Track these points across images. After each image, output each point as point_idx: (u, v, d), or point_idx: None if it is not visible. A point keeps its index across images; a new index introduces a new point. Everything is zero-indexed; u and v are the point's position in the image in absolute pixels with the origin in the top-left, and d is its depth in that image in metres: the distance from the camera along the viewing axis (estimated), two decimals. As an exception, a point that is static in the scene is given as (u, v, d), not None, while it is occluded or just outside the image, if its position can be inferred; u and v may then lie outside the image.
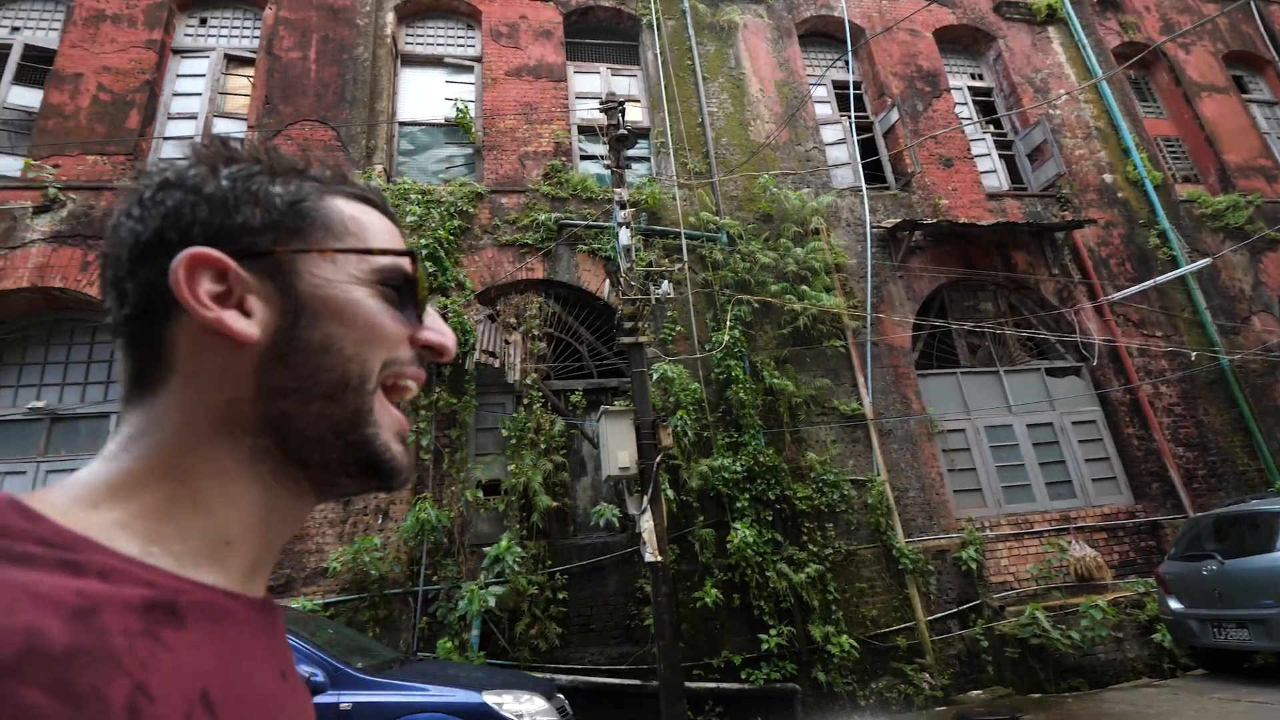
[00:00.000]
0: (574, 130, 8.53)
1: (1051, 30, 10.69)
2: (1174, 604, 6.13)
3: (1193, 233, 9.52)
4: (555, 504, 6.57)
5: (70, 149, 7.18)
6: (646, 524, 5.47)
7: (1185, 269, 8.32)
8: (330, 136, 7.73)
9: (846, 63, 9.73)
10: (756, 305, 7.61)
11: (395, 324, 0.49)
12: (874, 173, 9.37)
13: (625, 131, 5.56)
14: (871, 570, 6.89)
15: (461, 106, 8.19)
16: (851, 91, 9.53)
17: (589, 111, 8.65)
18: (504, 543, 5.88)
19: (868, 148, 9.53)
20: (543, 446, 6.66)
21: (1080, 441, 8.32)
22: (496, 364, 6.91)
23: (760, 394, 7.24)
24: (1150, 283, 8.22)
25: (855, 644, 6.29)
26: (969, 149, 9.60)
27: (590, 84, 9.07)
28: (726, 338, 7.17)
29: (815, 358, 7.74)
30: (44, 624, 0.30)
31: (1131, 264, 9.11)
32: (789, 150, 8.84)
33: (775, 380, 7.26)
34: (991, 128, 10.22)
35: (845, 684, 6.23)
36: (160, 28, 8.03)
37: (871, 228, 8.44)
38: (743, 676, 6.13)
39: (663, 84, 8.69)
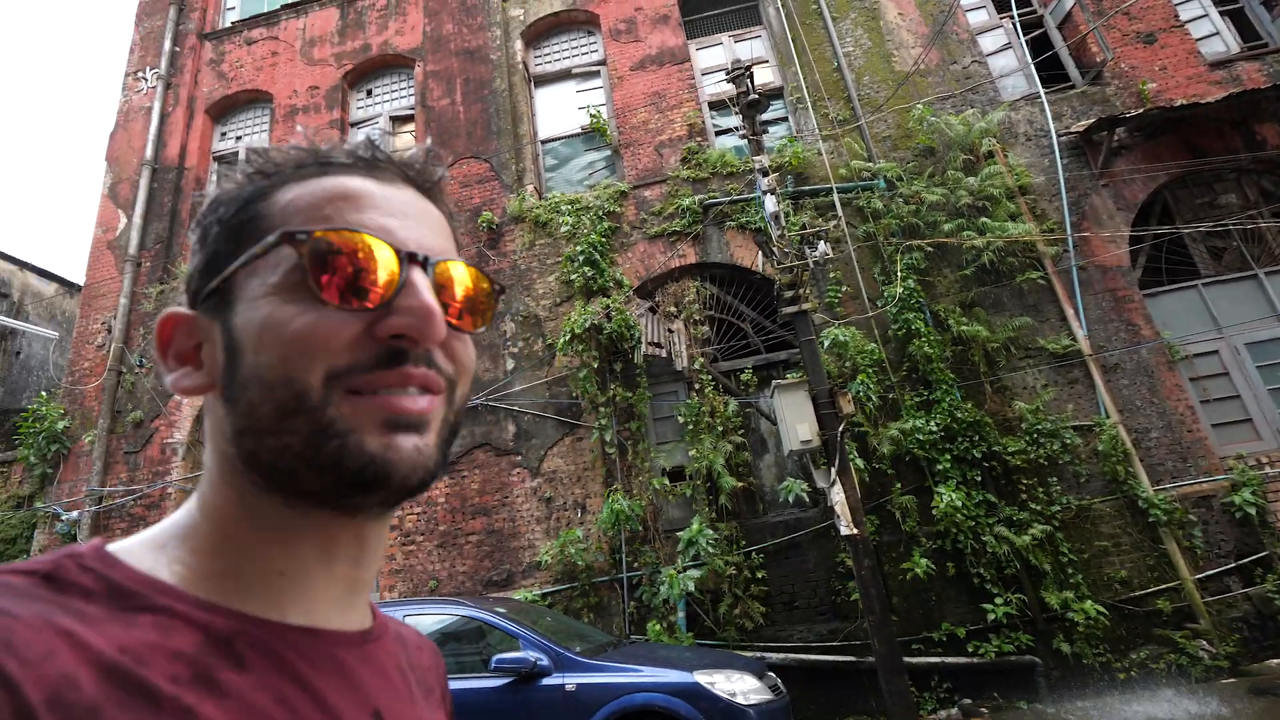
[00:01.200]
0: (704, 108, 8.40)
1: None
2: None
3: None
4: (741, 484, 6.57)
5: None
6: (837, 496, 5.27)
7: None
8: (485, 169, 8.39)
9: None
10: (930, 249, 6.96)
11: (326, 323, 0.40)
12: (1054, 73, 8.11)
13: (756, 96, 5.34)
14: (1113, 526, 6.03)
15: (594, 112, 8.45)
16: (1010, -10, 8.31)
17: (717, 86, 8.48)
18: (695, 526, 6.00)
19: (1041, 46, 8.26)
20: (720, 429, 6.69)
21: (1389, 345, 6.56)
22: (664, 354, 7.05)
23: (948, 344, 6.63)
24: None
25: (1103, 610, 5.56)
26: (1176, 14, 7.92)
27: (715, 57, 8.87)
28: (900, 290, 6.65)
29: (1010, 295, 6.90)
30: (78, 673, 0.31)
31: None
32: (944, 72, 7.95)
33: (964, 327, 6.59)
34: (1204, -19, 8.34)
35: (1096, 655, 5.54)
36: (338, 107, 9.25)
37: (1059, 135, 7.32)
38: (969, 649, 5.69)
39: (789, 37, 8.24)
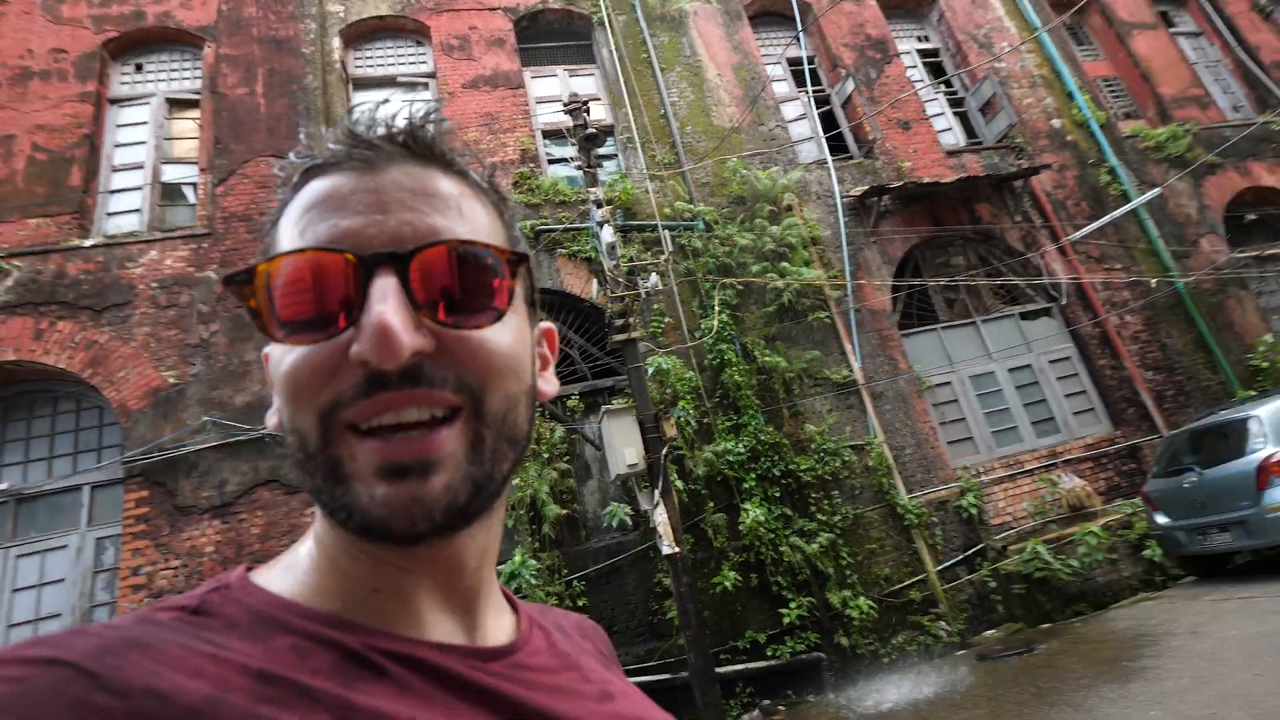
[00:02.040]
0: (539, 135, 8.50)
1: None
2: (1161, 519, 6.47)
3: (1139, 166, 9.88)
4: (565, 512, 6.63)
5: (9, 214, 6.90)
6: (660, 517, 5.58)
7: (1136, 202, 8.68)
8: (290, 169, 7.58)
9: (799, 39, 9.81)
10: (740, 287, 7.73)
11: (309, 359, 0.37)
12: (837, 144, 9.52)
13: (594, 131, 5.59)
14: (879, 530, 7.12)
15: (420, 124, 8.09)
16: (806, 67, 9.63)
17: (552, 115, 8.63)
18: (518, 557, 5.88)
19: (828, 121, 9.67)
20: (545, 456, 6.71)
21: (1058, 379, 8.66)
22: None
23: (754, 374, 7.39)
24: (1106, 219, 8.59)
25: (873, 604, 6.50)
26: (924, 110, 9.81)
27: (549, 88, 9.03)
28: (715, 323, 7.29)
29: (803, 331, 7.90)
30: (230, 680, 0.32)
31: (1087, 203, 9.44)
32: (753, 131, 8.94)
33: (767, 358, 7.41)
34: (943, 87, 10.44)
35: (867, 644, 6.44)
36: (94, 79, 7.76)
37: (841, 198, 8.61)
38: (768, 653, 6.30)
39: (621, 80, 8.70)
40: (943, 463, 7.66)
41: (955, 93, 10.41)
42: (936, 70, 10.65)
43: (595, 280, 6.14)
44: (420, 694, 0.37)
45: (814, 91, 9.69)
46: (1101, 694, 4.16)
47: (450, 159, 0.44)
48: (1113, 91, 11.12)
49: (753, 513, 6.44)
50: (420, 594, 0.42)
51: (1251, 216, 10.32)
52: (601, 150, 7.31)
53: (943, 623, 6.68)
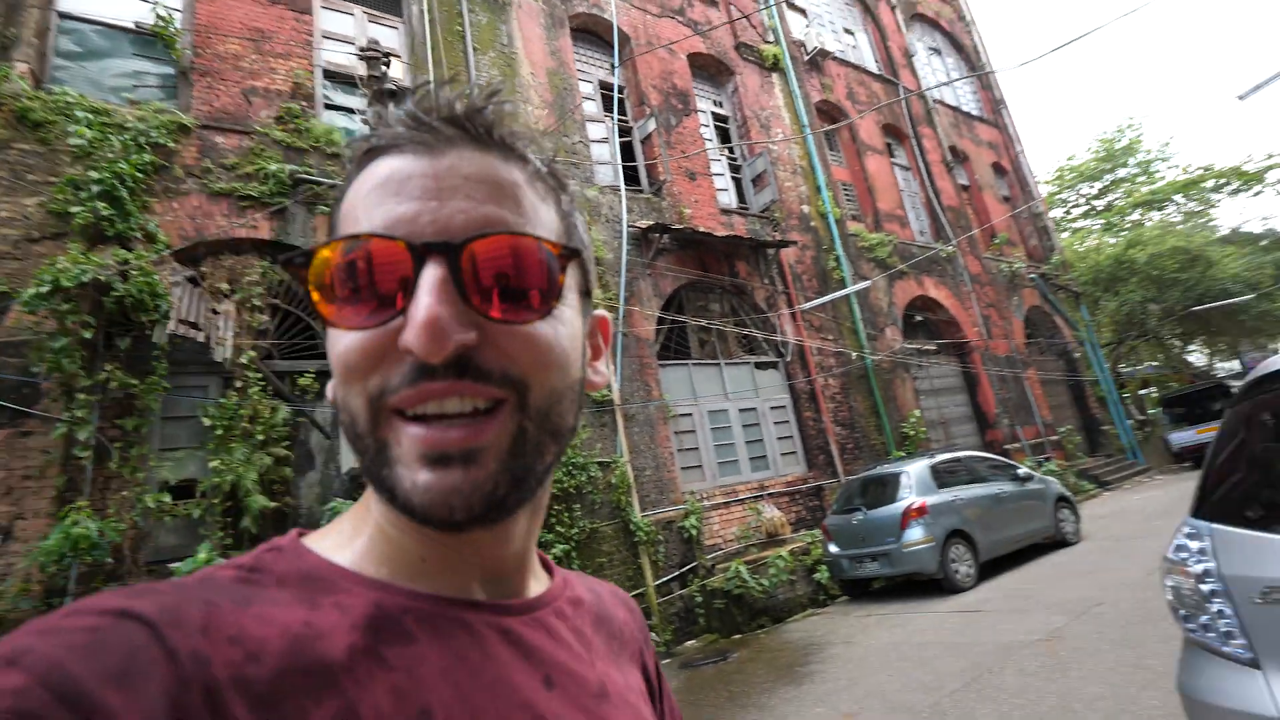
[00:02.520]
0: (319, 73, 7.40)
1: (775, 77, 12.53)
2: (832, 548, 7.90)
3: (856, 260, 12.10)
4: (274, 504, 5.74)
5: None
6: (395, 518, 5.13)
7: (851, 289, 10.61)
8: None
9: (613, 66, 10.12)
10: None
11: (360, 344, 0.38)
12: (631, 175, 9.97)
13: (394, 88, 5.00)
14: (611, 544, 7.44)
15: (164, 13, 6.51)
16: (616, 95, 9.95)
17: (339, 56, 7.60)
18: (201, 555, 4.88)
19: (627, 152, 10.09)
20: (260, 438, 5.75)
21: (775, 423, 10.05)
22: (200, 338, 5.76)
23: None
24: (829, 297, 10.37)
25: (595, 616, 6.75)
26: (709, 167, 10.80)
27: (342, 25, 7.95)
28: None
29: (570, 346, 8.01)
30: (261, 651, 0.34)
31: (817, 280, 11.24)
32: (556, 140, 8.92)
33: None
34: (726, 152, 11.63)
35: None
36: None
37: (628, 226, 9.00)
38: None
39: (429, 45, 8.03)
40: (675, 486, 8.32)
41: (735, 160, 11.68)
42: (724, 135, 11.85)
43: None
44: (453, 643, 0.39)
45: (619, 120, 10.06)
46: (781, 695, 4.80)
47: (510, 144, 0.43)
48: (847, 195, 13.49)
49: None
50: (464, 565, 0.43)
51: (919, 317, 13.33)
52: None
53: (653, 634, 7.19)
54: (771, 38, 12.79)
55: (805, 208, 11.74)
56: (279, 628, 0.35)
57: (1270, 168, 23.48)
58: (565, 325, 0.42)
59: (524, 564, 0.47)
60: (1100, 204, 25.97)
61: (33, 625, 0.31)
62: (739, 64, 11.97)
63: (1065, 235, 24.59)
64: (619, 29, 10.21)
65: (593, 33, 10.43)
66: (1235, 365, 27.47)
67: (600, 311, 0.52)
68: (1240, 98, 12.60)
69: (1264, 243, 22.07)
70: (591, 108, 9.99)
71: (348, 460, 5.06)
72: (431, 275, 0.37)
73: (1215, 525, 1.80)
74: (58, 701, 0.28)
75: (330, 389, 0.42)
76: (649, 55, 10.43)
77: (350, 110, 7.29)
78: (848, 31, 15.56)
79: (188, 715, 0.30)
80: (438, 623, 0.40)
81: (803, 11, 14.34)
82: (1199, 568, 1.78)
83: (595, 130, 9.87)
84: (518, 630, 0.43)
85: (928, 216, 14.94)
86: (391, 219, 0.38)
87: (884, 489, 7.69)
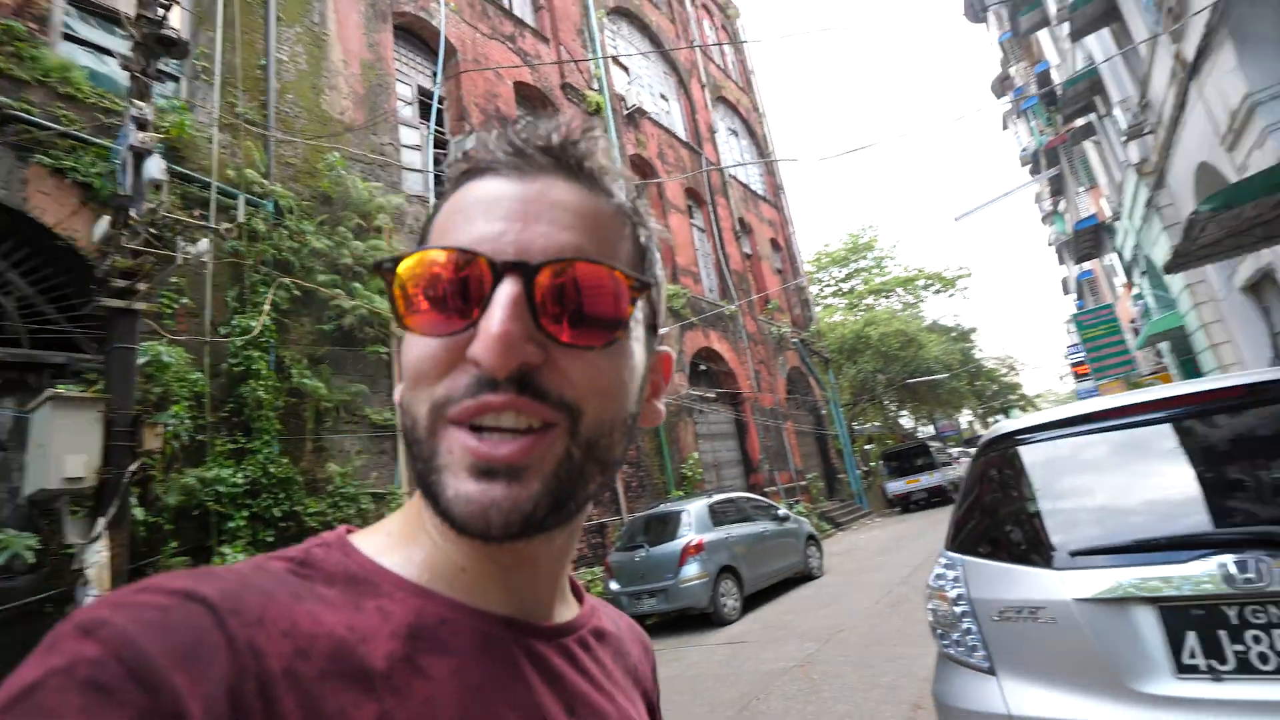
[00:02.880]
0: (58, -7, 5.91)
1: (596, 122, 13.00)
2: (614, 585, 7.98)
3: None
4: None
5: None
6: (99, 556, 4.05)
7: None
8: None
9: (435, 74, 9.67)
10: (298, 293, 6.67)
11: (431, 352, 0.39)
12: (442, 189, 9.51)
13: (172, 35, 4.12)
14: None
15: None
16: (435, 104, 9.49)
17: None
18: None
19: (439, 165, 9.63)
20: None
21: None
22: None
23: (283, 394, 6.32)
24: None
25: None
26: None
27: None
28: (260, 324, 6.03)
29: (354, 362, 7.24)
30: (311, 649, 0.34)
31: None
32: (364, 137, 8.19)
33: (305, 380, 6.46)
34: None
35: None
36: None
37: (434, 241, 8.51)
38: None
39: (220, 1, 6.89)
40: (460, 521, 7.84)
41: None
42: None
43: (105, 218, 4.33)
44: (486, 659, 0.40)
45: (436, 131, 9.61)
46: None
47: (598, 177, 0.44)
48: (650, 246, 14.36)
49: (232, 559, 5.26)
50: (502, 579, 0.43)
51: (703, 366, 14.51)
52: (166, 67, 5.49)
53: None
54: (596, 86, 13.33)
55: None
56: (327, 627, 0.35)
57: (961, 276, 30.38)
58: (628, 357, 0.43)
59: (556, 587, 0.47)
60: (845, 286, 31.06)
61: (108, 598, 0.32)
62: (563, 102, 12.23)
63: (819, 309, 28.92)
64: (446, 39, 9.84)
65: (418, 36, 9.92)
66: (931, 429, 34.29)
67: (665, 349, 0.52)
68: (956, 219, 16.06)
69: (954, 334, 28.16)
70: (408, 113, 9.41)
71: (45, 478, 3.90)
72: (506, 292, 0.38)
73: (965, 557, 2.15)
74: (129, 675, 0.28)
75: (398, 393, 0.42)
76: (475, 74, 10.20)
77: (106, 52, 5.92)
78: (663, 97, 16.87)
79: (243, 703, 0.31)
80: (473, 637, 0.40)
81: (626, 69, 15.24)
82: (954, 593, 2.10)
83: (409, 135, 9.31)
84: (545, 654, 0.43)
85: (717, 276, 16.49)
86: (477, 236, 0.40)
87: (665, 526, 8.04)
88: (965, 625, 2.03)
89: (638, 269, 0.46)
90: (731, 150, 20.11)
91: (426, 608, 0.39)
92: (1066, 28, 11.62)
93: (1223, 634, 1.60)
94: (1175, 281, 10.97)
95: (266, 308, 6.16)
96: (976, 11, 25.79)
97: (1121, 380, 16.26)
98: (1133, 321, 17.67)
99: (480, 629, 0.40)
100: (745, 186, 19.76)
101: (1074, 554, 1.89)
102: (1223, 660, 1.59)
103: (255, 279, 6.37)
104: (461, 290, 0.38)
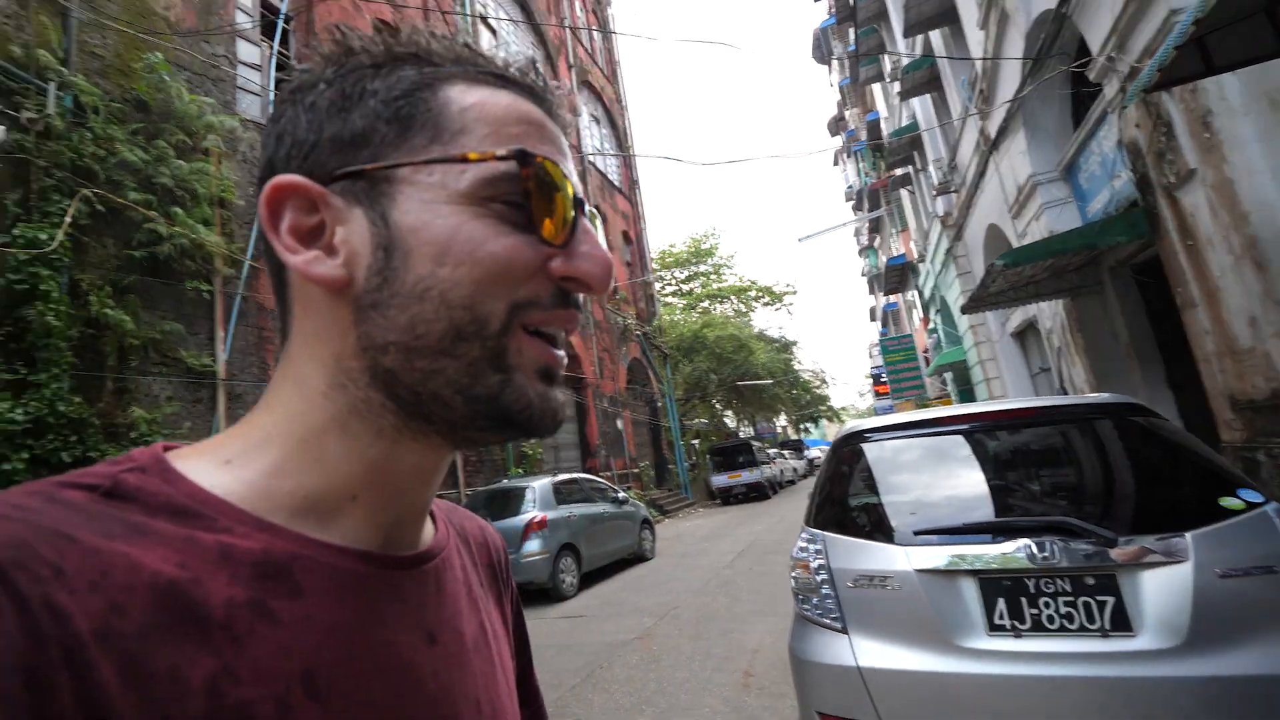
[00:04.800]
0: None
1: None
2: (448, 564, 7.76)
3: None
4: None
5: None
6: None
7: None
8: None
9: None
10: (103, 209, 5.59)
11: (520, 253, 0.37)
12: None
13: None
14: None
15: None
16: (281, 21, 8.40)
17: None
18: None
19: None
20: None
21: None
22: None
23: (79, 323, 5.30)
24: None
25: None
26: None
27: None
28: (58, 239, 4.96)
29: (169, 296, 6.25)
30: (129, 600, 0.28)
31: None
32: (194, 42, 7.03)
33: (109, 311, 5.46)
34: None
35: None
36: None
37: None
38: None
39: None
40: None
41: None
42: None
43: None
44: (342, 599, 0.35)
45: (280, 53, 8.53)
46: None
47: (567, 131, 0.45)
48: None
49: None
50: (392, 502, 0.40)
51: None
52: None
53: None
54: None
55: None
56: (148, 572, 0.29)
57: (788, 293, 33.39)
58: None
59: (426, 509, 0.44)
60: (685, 288, 32.68)
61: None
62: (434, 53, 11.47)
63: (660, 307, 30.15)
64: (309, -49, 8.76)
65: (274, -61, 8.71)
66: (752, 430, 37.35)
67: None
68: (800, 240, 17.65)
69: (778, 345, 30.89)
70: (249, 25, 8.24)
71: None
72: (589, 225, 0.41)
73: (825, 533, 2.48)
74: None
75: (430, 274, 0.36)
76: (333, 5, 9.21)
77: None
78: (535, 70, 16.48)
79: (44, 681, 0.25)
80: (329, 574, 0.35)
81: (495, 32, 14.65)
82: (816, 564, 2.41)
83: (249, 52, 8.17)
84: (405, 586, 0.40)
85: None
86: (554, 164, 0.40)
87: (509, 502, 7.99)
88: (825, 591, 2.35)
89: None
90: (592, 137, 20.20)
91: (274, 544, 0.34)
92: (897, 87, 13.30)
93: (1023, 600, 2.04)
94: (963, 321, 13.14)
95: (67, 220, 5.10)
96: (824, 54, 28.49)
97: (913, 401, 19.08)
98: (925, 351, 20.77)
99: (336, 565, 0.36)
100: (603, 175, 19.98)
101: (917, 533, 2.29)
102: (1023, 621, 2.03)
103: (47, 184, 5.24)
104: (566, 209, 0.39)
